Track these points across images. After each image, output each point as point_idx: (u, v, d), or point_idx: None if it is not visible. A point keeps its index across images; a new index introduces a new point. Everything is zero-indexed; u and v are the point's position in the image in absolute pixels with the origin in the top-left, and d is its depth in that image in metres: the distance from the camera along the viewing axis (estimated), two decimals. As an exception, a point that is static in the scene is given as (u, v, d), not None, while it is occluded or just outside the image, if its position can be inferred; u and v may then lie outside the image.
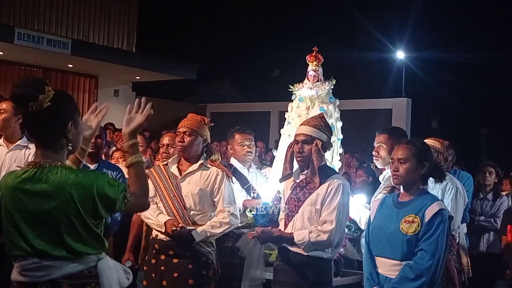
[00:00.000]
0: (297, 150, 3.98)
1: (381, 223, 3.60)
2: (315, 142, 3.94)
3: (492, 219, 6.83)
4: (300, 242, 3.86)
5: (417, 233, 3.41)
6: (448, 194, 4.81)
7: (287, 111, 5.28)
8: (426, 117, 21.94)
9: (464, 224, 6.27)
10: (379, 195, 4.22)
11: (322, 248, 3.89)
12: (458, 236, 5.28)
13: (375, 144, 4.48)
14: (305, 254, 3.88)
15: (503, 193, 7.38)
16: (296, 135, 4.07)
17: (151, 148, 9.12)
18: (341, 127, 5.24)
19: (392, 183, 3.72)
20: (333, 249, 3.95)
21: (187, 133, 4.37)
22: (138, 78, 15.91)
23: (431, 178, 3.72)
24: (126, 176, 5.53)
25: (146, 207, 2.86)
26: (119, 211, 2.77)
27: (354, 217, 4.58)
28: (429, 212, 3.41)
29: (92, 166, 4.83)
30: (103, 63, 13.79)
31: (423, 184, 3.60)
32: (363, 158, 11.71)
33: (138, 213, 4.59)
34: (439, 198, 4.40)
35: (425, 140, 5.00)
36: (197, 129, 4.39)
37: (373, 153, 4.49)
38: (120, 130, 12.58)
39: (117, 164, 5.83)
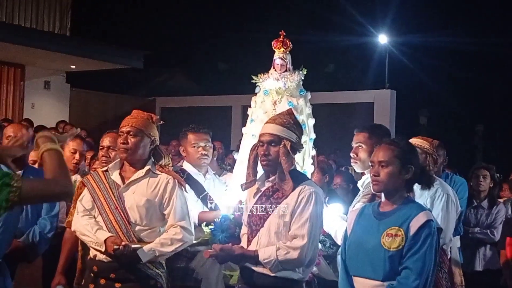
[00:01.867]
0: (262, 152, 3.98)
1: (359, 237, 3.62)
2: (283, 143, 3.95)
3: (488, 231, 6.94)
4: (266, 260, 3.86)
5: (401, 248, 3.43)
6: (438, 202, 4.88)
7: (250, 107, 5.29)
8: (413, 112, 22.23)
9: (458, 237, 6.36)
10: (358, 204, 4.25)
11: (292, 268, 3.89)
12: (450, 251, 5.36)
13: (353, 144, 4.51)
14: (272, 275, 3.88)
15: (500, 200, 7.49)
16: (260, 135, 4.07)
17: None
18: (314, 125, 5.27)
19: (372, 190, 3.75)
20: (304, 269, 3.96)
21: (131, 133, 4.34)
22: (73, 67, 15.77)
23: (417, 184, 3.76)
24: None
25: (60, 195, 2.85)
26: (7, 206, 2.67)
27: (329, 231, 4.61)
28: (415, 224, 3.44)
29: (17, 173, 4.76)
30: (30, 50, 13.63)
31: (408, 191, 3.64)
32: (340, 160, 11.81)
33: (72, 230, 4.53)
34: (427, 207, 4.47)
35: (412, 140, 5.08)
36: (144, 129, 4.37)
37: (351, 154, 4.51)
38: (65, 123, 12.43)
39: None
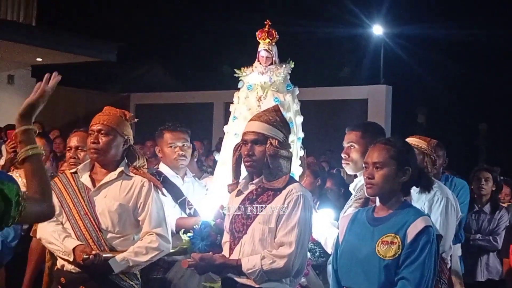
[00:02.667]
0: (246, 152, 3.99)
1: (352, 246, 3.62)
2: (268, 142, 3.96)
3: (491, 237, 6.98)
4: (250, 271, 3.86)
5: (397, 257, 3.44)
6: (436, 206, 4.90)
7: (232, 103, 5.29)
8: (410, 110, 22.30)
9: (458, 245, 6.40)
10: (350, 209, 4.26)
11: (278, 278, 3.89)
12: (451, 260, 5.39)
13: (345, 144, 4.52)
14: (257, 286, 3.88)
15: (504, 204, 7.53)
16: (244, 134, 4.08)
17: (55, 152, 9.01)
18: (302, 123, 5.27)
19: (366, 194, 3.76)
20: (292, 279, 3.97)
21: (102, 132, 4.34)
22: (40, 60, 15.72)
23: (414, 187, 3.77)
24: (23, 189, 5.51)
25: (48, 215, 2.81)
26: (12, 223, 2.68)
27: (319, 238, 4.61)
28: (412, 231, 3.45)
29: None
30: (-8, 41, 13.59)
31: (404, 195, 3.64)
32: (332, 162, 11.85)
33: (38, 237, 4.52)
34: (425, 212, 4.49)
35: (409, 139, 5.11)
36: (116, 127, 4.37)
37: (342, 155, 4.51)
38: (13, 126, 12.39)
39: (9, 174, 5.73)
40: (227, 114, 5.43)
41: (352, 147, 4.46)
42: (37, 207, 2.68)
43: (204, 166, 8.46)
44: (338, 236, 3.79)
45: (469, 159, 18.09)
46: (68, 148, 5.33)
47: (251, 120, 4.16)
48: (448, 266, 5.19)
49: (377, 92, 15.95)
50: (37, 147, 2.79)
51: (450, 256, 5.33)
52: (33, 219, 2.81)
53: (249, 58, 5.36)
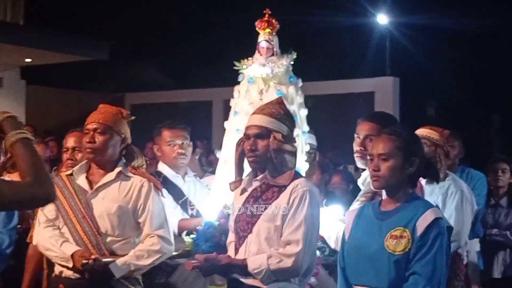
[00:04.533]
0: (249, 147, 4.01)
1: (359, 242, 3.62)
2: (272, 136, 3.97)
3: (508, 232, 6.97)
4: (256, 271, 3.88)
5: (407, 251, 3.44)
6: (451, 200, 4.91)
7: (233, 98, 5.29)
8: (419, 102, 22.30)
9: (476, 240, 6.39)
10: (356, 203, 4.26)
11: (286, 278, 3.92)
12: (467, 256, 5.38)
13: (359, 136, 4.40)
14: (264, 287, 3.91)
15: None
16: (246, 128, 4.09)
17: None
18: (307, 117, 5.26)
19: (372, 187, 3.76)
20: (301, 279, 3.99)
21: (98, 131, 4.36)
22: (29, 60, 15.71)
23: (426, 181, 3.78)
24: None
25: (47, 198, 2.76)
26: None
27: (324, 235, 4.58)
28: (422, 223, 3.45)
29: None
30: (-22, 42, 13.60)
31: (411, 186, 3.64)
32: (338, 159, 11.86)
33: (34, 243, 4.54)
34: (439, 204, 4.51)
35: (420, 130, 5.09)
36: (113, 125, 4.39)
37: (356, 148, 4.42)
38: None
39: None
40: (226, 112, 5.42)
41: (369, 139, 4.28)
42: (28, 190, 2.65)
43: (204, 166, 8.45)
44: (344, 233, 3.78)
45: (481, 152, 18.04)
46: (65, 149, 5.32)
47: (253, 113, 4.17)
48: (464, 262, 5.19)
49: (384, 85, 15.88)
50: (26, 132, 2.75)
51: (466, 251, 5.32)
52: (16, 204, 2.76)
53: (249, 51, 5.36)
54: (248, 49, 5.38)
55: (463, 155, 6.74)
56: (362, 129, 4.41)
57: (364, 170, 4.54)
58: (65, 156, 5.29)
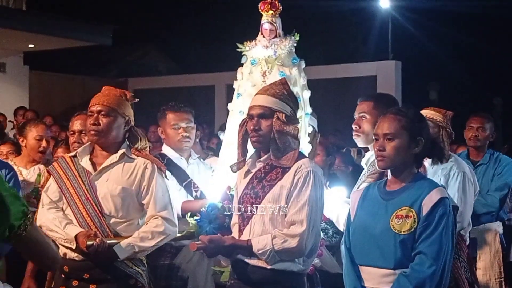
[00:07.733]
0: (252, 127, 3.99)
1: (365, 222, 3.63)
2: (275, 116, 3.96)
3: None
4: (260, 251, 3.88)
5: (413, 231, 3.45)
6: (453, 181, 4.91)
7: (236, 80, 5.28)
8: (421, 86, 22.28)
9: (500, 223, 6.36)
10: (363, 184, 4.24)
11: (290, 258, 3.91)
12: (469, 237, 5.38)
13: (356, 115, 4.47)
14: (269, 267, 3.90)
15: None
16: (250, 108, 4.07)
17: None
18: (310, 99, 5.26)
19: (377, 167, 3.76)
20: (305, 259, 3.98)
21: (102, 113, 4.33)
22: (32, 46, 15.71)
23: (429, 161, 3.77)
24: (21, 178, 5.52)
25: (53, 264, 2.95)
26: (12, 237, 2.67)
27: (331, 216, 4.60)
28: (428, 202, 3.46)
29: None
30: (-19, 27, 13.59)
31: (417, 166, 3.65)
32: (340, 143, 11.85)
33: (38, 225, 4.53)
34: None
35: (423, 111, 5.06)
36: (117, 107, 4.37)
37: (353, 126, 4.47)
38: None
39: (5, 160, 5.75)
40: (229, 96, 5.41)
41: (363, 118, 4.40)
42: (42, 238, 2.80)
43: (205, 150, 8.45)
44: (349, 213, 3.79)
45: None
46: (71, 132, 5.34)
47: (257, 94, 4.14)
48: (467, 243, 5.18)
49: (386, 68, 15.89)
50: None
51: (469, 233, 5.31)
52: (34, 248, 2.81)
53: (251, 32, 5.34)
54: (251, 32, 5.36)
55: (494, 138, 6.68)
56: (358, 109, 4.46)
57: (366, 150, 4.56)
58: (72, 139, 5.31)
